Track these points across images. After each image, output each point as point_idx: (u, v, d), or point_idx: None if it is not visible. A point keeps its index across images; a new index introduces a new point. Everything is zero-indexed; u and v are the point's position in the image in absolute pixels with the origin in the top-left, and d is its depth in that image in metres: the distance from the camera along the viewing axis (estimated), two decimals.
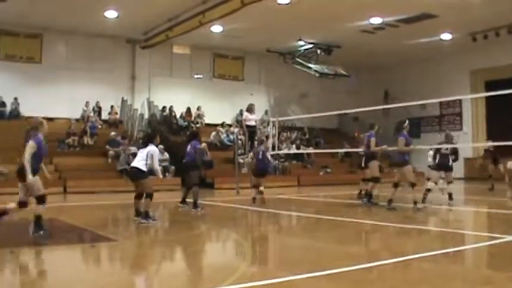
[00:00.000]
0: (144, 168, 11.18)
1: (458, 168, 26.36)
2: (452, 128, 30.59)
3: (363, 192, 15.44)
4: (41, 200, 9.47)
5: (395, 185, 13.82)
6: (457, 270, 7.18)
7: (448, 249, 8.24)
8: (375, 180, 14.88)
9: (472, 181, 25.56)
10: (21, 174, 9.25)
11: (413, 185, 13.35)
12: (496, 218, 12.14)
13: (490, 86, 27.63)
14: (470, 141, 29.11)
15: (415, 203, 13.33)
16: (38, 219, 9.40)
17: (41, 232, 9.29)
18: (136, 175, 11.29)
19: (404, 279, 6.34)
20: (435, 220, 13.11)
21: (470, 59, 29.21)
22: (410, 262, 7.21)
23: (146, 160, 11.19)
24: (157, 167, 11.53)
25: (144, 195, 11.38)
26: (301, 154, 27.66)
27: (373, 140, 14.88)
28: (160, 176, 12.38)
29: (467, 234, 10.63)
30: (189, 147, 13.83)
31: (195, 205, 13.49)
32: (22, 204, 9.53)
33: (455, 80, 29.37)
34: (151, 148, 11.40)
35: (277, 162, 25.74)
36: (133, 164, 11.54)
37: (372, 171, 14.89)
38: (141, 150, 11.73)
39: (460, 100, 29.72)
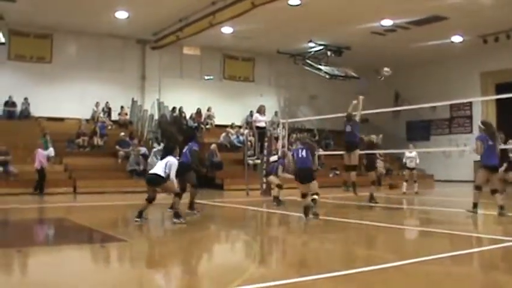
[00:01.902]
0: (162, 175, 11.36)
1: (469, 171, 26.30)
2: (462, 130, 30.53)
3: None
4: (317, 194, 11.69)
5: None
6: (465, 272, 7.14)
7: (457, 251, 8.19)
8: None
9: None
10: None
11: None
12: (507, 221, 12.05)
13: (500, 88, 27.48)
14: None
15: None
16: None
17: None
18: (157, 180, 11.46)
19: (412, 282, 6.31)
20: (446, 222, 13.05)
21: (481, 61, 29.11)
22: (419, 265, 7.17)
23: (165, 169, 11.40)
24: (174, 178, 11.60)
25: (172, 196, 11.62)
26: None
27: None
28: (176, 186, 12.32)
29: (476, 237, 10.56)
30: (185, 148, 13.50)
31: (191, 207, 13.27)
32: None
33: (466, 82, 29.28)
34: (171, 159, 11.58)
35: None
36: (152, 171, 11.78)
37: (354, 160, 15.35)
38: (161, 161, 11.85)
39: (470, 103, 29.61)
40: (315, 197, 11.90)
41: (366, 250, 8.92)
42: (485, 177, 12.65)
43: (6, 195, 18.44)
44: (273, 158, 20.69)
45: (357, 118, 15.77)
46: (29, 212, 14.77)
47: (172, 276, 7.07)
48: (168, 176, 11.45)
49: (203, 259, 8.66)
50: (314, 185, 12.04)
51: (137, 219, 11.30)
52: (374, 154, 16.57)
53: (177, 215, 11.38)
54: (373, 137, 16.89)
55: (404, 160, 21.00)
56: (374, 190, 15.90)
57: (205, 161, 14.09)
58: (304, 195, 12.16)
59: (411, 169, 20.93)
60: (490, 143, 12.46)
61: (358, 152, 15.35)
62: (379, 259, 7.98)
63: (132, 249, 9.05)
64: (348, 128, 15.44)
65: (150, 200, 11.60)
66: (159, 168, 11.52)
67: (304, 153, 12.29)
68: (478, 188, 12.70)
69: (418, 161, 20.94)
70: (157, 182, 11.47)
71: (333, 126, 31.49)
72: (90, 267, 7.62)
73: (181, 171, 12.06)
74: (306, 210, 11.85)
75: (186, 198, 13.00)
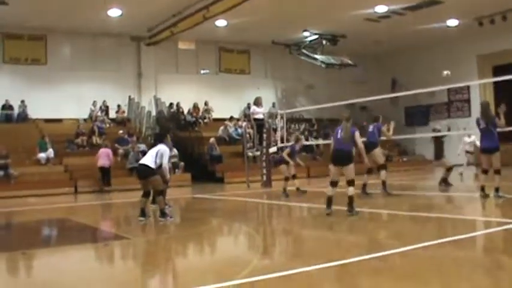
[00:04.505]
0: (152, 166, 10.98)
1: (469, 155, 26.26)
2: (461, 114, 30.51)
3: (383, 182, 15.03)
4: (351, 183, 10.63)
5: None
6: (468, 256, 7.15)
7: (459, 235, 8.19)
8: (382, 167, 14.73)
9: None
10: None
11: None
12: (508, 203, 12.07)
13: (498, 70, 27.40)
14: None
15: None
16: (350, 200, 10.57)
17: None
18: (145, 172, 11.08)
19: (415, 267, 6.32)
20: (447, 207, 13.07)
21: (477, 44, 29.02)
22: (422, 250, 7.17)
23: (156, 158, 11.05)
24: (167, 166, 11.38)
25: (157, 193, 11.35)
26: (310, 146, 27.61)
27: (384, 129, 15.16)
28: (168, 176, 12.08)
29: (478, 220, 10.58)
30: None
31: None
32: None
33: (463, 65, 29.16)
34: (161, 147, 11.26)
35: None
36: (141, 161, 11.40)
37: (378, 159, 14.76)
38: (151, 149, 11.57)
39: (468, 86, 29.56)
40: (351, 192, 10.60)
41: (370, 237, 8.93)
42: (484, 160, 12.69)
43: (8, 198, 18.45)
44: (273, 150, 20.71)
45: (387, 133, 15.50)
46: (31, 214, 14.78)
47: (177, 272, 7.08)
48: (160, 166, 11.19)
49: (207, 253, 8.68)
50: (349, 169, 10.75)
51: (141, 218, 11.12)
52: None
53: (163, 213, 11.10)
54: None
55: (461, 146, 20.65)
56: (384, 177, 15.27)
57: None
58: (333, 184, 10.90)
59: (471, 153, 20.84)
60: (482, 126, 12.48)
61: (379, 150, 14.89)
62: (384, 246, 8.00)
63: (136, 246, 9.07)
64: (371, 128, 15.07)
65: (146, 195, 11.41)
66: (149, 158, 11.13)
67: (339, 133, 11.02)
68: (483, 171, 12.81)
69: (478, 143, 20.68)
70: (147, 174, 11.06)
71: (331, 115, 31.46)
72: (95, 267, 7.63)
73: (143, 176, 11.50)
74: (329, 200, 10.82)
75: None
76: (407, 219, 10.69)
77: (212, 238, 10.02)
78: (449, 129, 19.41)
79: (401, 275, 5.97)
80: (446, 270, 6.10)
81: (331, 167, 11.22)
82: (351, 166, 10.75)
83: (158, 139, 11.75)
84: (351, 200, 10.55)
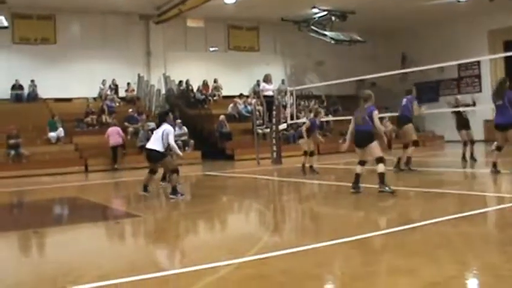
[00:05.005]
0: (161, 149, 11.21)
1: (478, 130, 26.12)
2: (471, 90, 30.29)
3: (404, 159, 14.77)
4: (379, 160, 10.19)
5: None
6: (480, 232, 7.15)
7: (470, 211, 8.19)
8: (414, 143, 14.43)
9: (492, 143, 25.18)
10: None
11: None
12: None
13: (509, 46, 27.18)
14: (490, 102, 28.68)
15: None
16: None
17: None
18: (155, 157, 11.36)
19: (426, 244, 6.32)
20: (457, 183, 13.05)
21: (488, 19, 28.72)
22: (431, 226, 7.17)
23: (162, 139, 11.20)
24: (174, 144, 11.51)
25: (170, 172, 11.58)
26: (320, 122, 27.50)
27: (415, 103, 14.59)
28: (179, 153, 12.24)
29: (489, 196, 10.56)
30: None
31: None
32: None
33: (473, 41, 28.96)
34: (166, 127, 11.40)
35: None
36: (149, 146, 11.49)
37: (409, 135, 14.40)
38: (156, 131, 11.75)
39: (478, 62, 29.32)
40: (380, 169, 10.13)
41: (379, 214, 8.94)
42: (498, 136, 12.64)
43: (19, 177, 18.58)
44: (282, 126, 20.67)
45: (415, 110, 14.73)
46: (42, 193, 14.87)
47: (189, 248, 7.12)
48: (168, 147, 11.39)
49: (217, 230, 8.72)
50: (372, 148, 10.37)
51: (143, 192, 11.53)
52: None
53: (174, 190, 11.21)
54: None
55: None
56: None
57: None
58: (361, 163, 10.64)
59: None
60: (498, 102, 12.40)
61: (411, 126, 14.38)
62: (394, 222, 8.01)
63: (146, 224, 9.12)
64: (404, 101, 14.54)
65: (153, 172, 11.73)
66: (156, 141, 11.29)
67: (365, 113, 10.53)
68: (497, 148, 12.82)
69: None
70: (157, 159, 11.39)
71: (341, 92, 31.42)
72: (107, 244, 7.70)
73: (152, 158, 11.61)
74: (356, 179, 10.49)
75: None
76: (419, 196, 10.66)
77: (223, 215, 10.06)
78: (474, 104, 18.82)
79: (411, 252, 5.98)
80: (458, 246, 6.11)
81: (356, 149, 10.77)
82: (373, 145, 10.34)
83: (161, 119, 11.84)
84: (381, 177, 10.14)
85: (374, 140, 10.41)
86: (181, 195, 11.28)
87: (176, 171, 11.51)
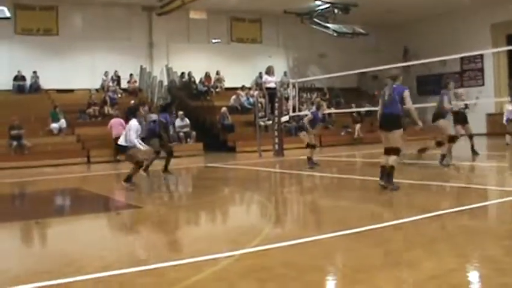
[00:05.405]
0: (125, 144, 11.82)
1: (481, 124, 26.11)
2: (474, 83, 30.26)
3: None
4: (394, 151, 9.60)
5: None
6: (480, 225, 7.15)
7: (472, 205, 8.20)
8: (451, 139, 13.85)
9: (495, 137, 25.17)
10: None
11: None
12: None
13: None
14: (492, 96, 28.69)
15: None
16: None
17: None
18: (122, 150, 12.23)
19: (427, 236, 6.33)
20: (459, 176, 13.04)
21: (491, 12, 28.65)
22: (434, 219, 7.18)
23: (126, 134, 11.84)
24: (134, 140, 11.73)
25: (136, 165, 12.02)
26: (322, 115, 27.48)
27: (446, 98, 13.76)
28: (141, 147, 12.22)
29: (490, 190, 10.56)
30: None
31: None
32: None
33: (476, 34, 28.88)
34: (131, 123, 11.92)
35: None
36: (119, 141, 12.18)
37: (444, 130, 13.80)
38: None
39: (481, 55, 29.25)
40: (391, 162, 9.57)
41: (381, 207, 8.94)
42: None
43: (21, 168, 18.61)
44: (284, 119, 20.67)
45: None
46: (44, 184, 14.89)
47: (190, 240, 7.13)
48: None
49: (219, 221, 8.73)
50: (396, 135, 9.60)
51: (124, 183, 11.76)
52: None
53: (128, 178, 11.72)
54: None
55: (506, 114, 20.30)
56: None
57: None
58: (387, 151, 9.77)
59: None
60: None
61: (443, 121, 13.72)
62: (396, 215, 8.02)
63: (147, 215, 9.13)
64: (444, 96, 13.81)
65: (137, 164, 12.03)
66: (122, 136, 11.98)
67: (393, 94, 9.60)
68: None
69: None
70: (123, 152, 12.13)
71: (343, 84, 31.43)
72: (109, 235, 7.71)
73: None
74: (382, 171, 9.75)
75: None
76: (422, 189, 10.66)
77: (224, 207, 10.07)
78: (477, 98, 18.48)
79: (412, 244, 5.99)
80: (458, 240, 6.12)
81: (380, 133, 10.00)
82: (398, 132, 9.59)
83: (130, 114, 12.25)
84: (390, 171, 9.52)
85: (401, 126, 9.72)
86: (131, 185, 11.66)
87: (139, 164, 11.98)
